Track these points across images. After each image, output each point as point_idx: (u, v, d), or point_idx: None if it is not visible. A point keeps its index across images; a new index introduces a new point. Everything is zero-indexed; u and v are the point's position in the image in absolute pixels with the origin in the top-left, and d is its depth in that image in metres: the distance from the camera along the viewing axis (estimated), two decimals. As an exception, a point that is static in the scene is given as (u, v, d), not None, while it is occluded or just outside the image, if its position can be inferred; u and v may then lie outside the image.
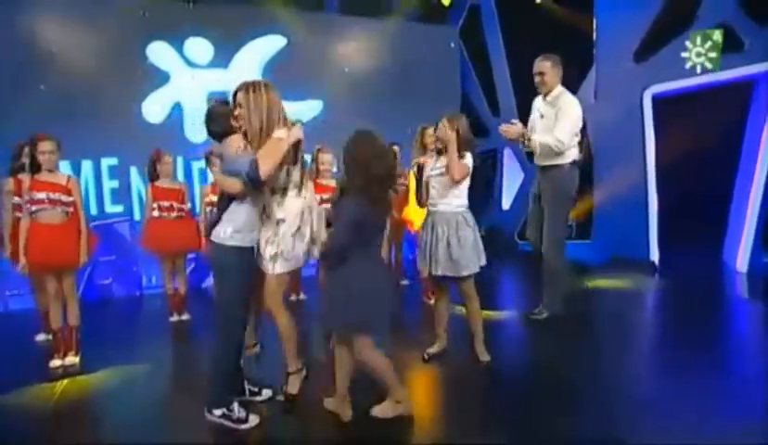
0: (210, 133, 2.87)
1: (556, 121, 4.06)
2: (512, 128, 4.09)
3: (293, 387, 2.95)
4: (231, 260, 2.66)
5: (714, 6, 5.83)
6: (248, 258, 2.74)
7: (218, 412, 2.74)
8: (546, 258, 4.16)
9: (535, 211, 4.35)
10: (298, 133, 2.67)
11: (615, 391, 3.07)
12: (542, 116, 4.21)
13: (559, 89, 4.18)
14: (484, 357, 3.49)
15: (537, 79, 4.18)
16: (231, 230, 2.64)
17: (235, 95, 2.71)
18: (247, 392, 2.96)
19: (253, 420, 2.76)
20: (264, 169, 2.52)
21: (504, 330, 4.27)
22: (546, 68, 4.12)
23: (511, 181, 7.76)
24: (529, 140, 4.08)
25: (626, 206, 6.40)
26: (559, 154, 4.08)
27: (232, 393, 2.81)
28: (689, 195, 6.29)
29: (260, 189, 2.64)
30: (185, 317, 4.72)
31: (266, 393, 3.00)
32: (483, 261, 3.44)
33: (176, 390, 3.39)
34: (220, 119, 2.76)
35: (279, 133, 2.63)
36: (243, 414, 2.74)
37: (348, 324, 2.67)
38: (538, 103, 4.34)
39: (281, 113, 2.72)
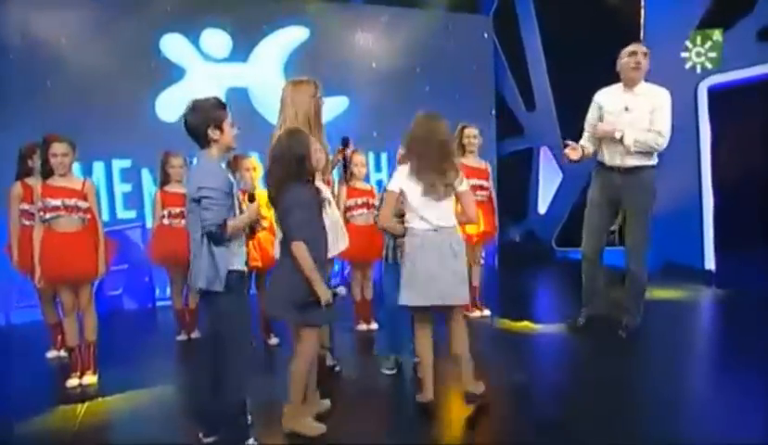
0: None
1: (657, 115, 3.87)
2: (601, 126, 3.94)
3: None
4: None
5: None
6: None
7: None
8: (637, 268, 4.05)
9: (598, 218, 4.17)
10: (252, 214, 2.74)
11: (670, 419, 2.94)
12: (626, 109, 3.93)
13: (645, 82, 4.00)
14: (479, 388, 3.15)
15: (635, 61, 3.87)
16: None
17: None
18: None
19: None
20: (230, 231, 2.60)
21: (548, 344, 4.20)
22: (646, 51, 3.90)
23: (548, 183, 7.63)
24: (621, 140, 3.85)
25: (679, 208, 6.25)
26: (649, 154, 3.93)
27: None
28: (748, 196, 6.14)
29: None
30: (194, 335, 4.56)
31: None
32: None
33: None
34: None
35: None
36: None
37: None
38: (616, 95, 4.03)
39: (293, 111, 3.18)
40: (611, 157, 4.01)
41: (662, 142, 3.88)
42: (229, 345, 2.69)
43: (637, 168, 3.94)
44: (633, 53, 3.90)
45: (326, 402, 3.08)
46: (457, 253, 2.92)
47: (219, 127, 2.64)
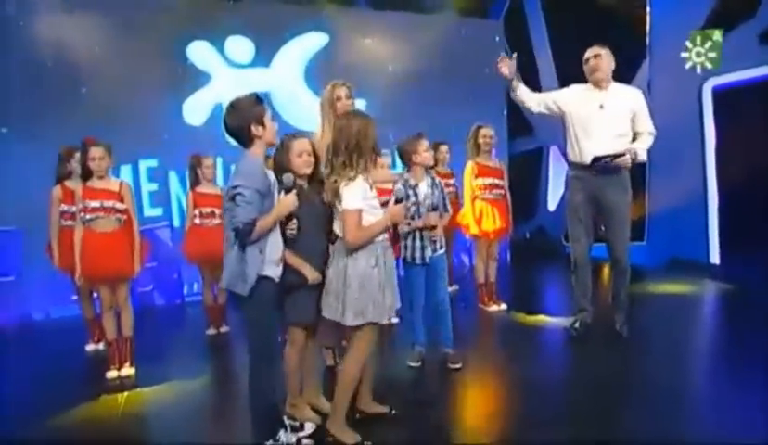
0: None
1: (642, 116, 3.91)
2: (624, 161, 3.84)
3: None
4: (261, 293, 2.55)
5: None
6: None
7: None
8: (627, 265, 4.04)
9: (586, 219, 4.09)
10: (283, 209, 2.59)
11: (677, 413, 2.95)
12: (602, 106, 3.88)
13: (615, 82, 3.98)
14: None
15: (592, 62, 3.87)
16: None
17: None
18: (288, 429, 2.73)
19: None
20: (258, 231, 2.47)
21: (562, 337, 4.24)
22: (602, 51, 3.89)
23: (557, 180, 7.67)
24: (634, 160, 3.84)
25: (683, 204, 6.32)
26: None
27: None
28: (753, 192, 6.14)
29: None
30: (223, 330, 4.70)
31: (309, 427, 2.80)
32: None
33: (239, 408, 3.31)
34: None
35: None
36: (293, 440, 2.68)
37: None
38: (587, 93, 3.95)
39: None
40: (589, 155, 3.88)
41: (653, 140, 3.96)
42: (254, 354, 2.62)
43: (615, 168, 3.90)
44: (589, 58, 3.92)
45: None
46: (346, 270, 2.59)
47: (261, 123, 2.52)
